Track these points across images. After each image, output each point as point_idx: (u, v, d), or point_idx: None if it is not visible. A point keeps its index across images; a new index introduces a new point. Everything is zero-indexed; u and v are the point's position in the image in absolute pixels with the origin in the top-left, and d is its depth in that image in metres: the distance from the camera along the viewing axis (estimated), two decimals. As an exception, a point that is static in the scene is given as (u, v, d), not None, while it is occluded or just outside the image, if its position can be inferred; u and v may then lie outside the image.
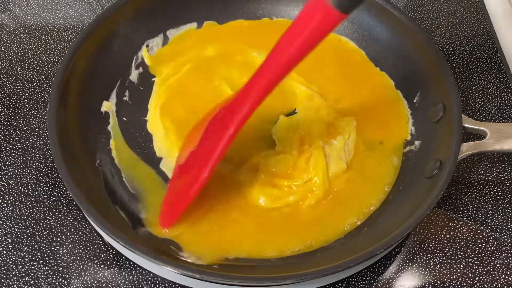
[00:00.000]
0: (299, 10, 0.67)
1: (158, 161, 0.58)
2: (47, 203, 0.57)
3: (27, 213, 0.56)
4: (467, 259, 0.55)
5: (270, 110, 0.61)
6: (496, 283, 0.54)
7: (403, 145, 0.59)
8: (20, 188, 0.57)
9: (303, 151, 0.58)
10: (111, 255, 0.54)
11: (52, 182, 0.58)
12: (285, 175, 0.56)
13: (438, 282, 0.54)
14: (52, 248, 0.54)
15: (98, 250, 0.54)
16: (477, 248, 0.56)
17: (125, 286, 0.52)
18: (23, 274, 0.52)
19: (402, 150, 0.59)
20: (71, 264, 0.53)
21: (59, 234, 0.55)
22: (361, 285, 0.54)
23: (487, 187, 0.60)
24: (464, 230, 0.57)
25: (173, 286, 0.53)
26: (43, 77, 0.65)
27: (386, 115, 0.62)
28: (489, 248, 0.56)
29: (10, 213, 0.56)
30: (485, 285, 0.54)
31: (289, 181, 0.56)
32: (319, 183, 0.56)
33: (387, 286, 0.54)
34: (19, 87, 0.64)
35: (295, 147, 0.58)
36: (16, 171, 0.58)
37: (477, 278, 0.54)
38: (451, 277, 0.54)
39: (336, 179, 0.57)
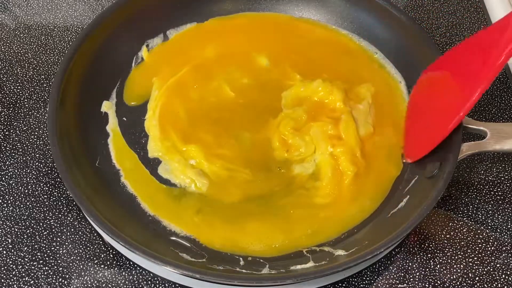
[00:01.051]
0: (299, 10, 0.69)
1: (157, 161, 0.58)
2: (47, 203, 0.57)
3: (27, 213, 0.56)
4: (467, 259, 0.55)
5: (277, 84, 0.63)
6: (496, 283, 0.54)
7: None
8: (20, 188, 0.57)
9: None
10: (111, 255, 0.54)
11: (52, 182, 0.58)
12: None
13: (438, 282, 0.54)
14: (52, 248, 0.54)
15: (98, 250, 0.54)
16: (477, 248, 0.56)
17: (125, 286, 0.52)
18: (23, 274, 0.52)
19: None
20: (71, 264, 0.53)
21: (59, 234, 0.55)
22: (361, 285, 0.54)
23: (487, 187, 0.60)
24: (464, 230, 0.57)
25: (173, 286, 0.53)
26: (43, 77, 0.65)
27: (387, 113, 0.62)
28: (489, 248, 0.56)
29: (10, 213, 0.56)
30: (485, 285, 0.54)
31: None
32: (352, 145, 0.57)
33: (387, 286, 0.54)
34: (19, 87, 0.64)
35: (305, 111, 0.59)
36: (16, 171, 0.58)
37: (477, 278, 0.54)
38: (451, 277, 0.54)
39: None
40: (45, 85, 0.65)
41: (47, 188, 0.57)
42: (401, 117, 0.61)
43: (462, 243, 0.56)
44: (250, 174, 0.57)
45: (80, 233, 0.55)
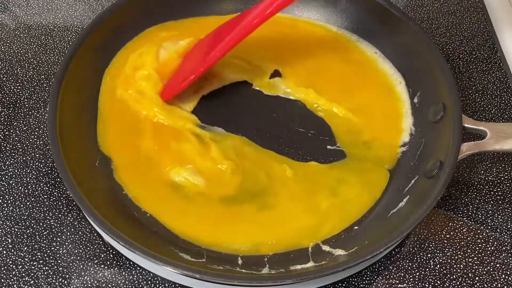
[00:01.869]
0: (299, 10, 0.69)
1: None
2: (47, 203, 0.57)
3: (27, 213, 0.56)
4: (467, 259, 0.55)
5: None
6: (496, 283, 0.54)
7: (396, 148, 0.59)
8: (20, 188, 0.57)
9: None
10: (111, 255, 0.54)
11: (52, 182, 0.58)
12: None
13: (438, 282, 0.54)
14: (52, 248, 0.54)
15: (98, 250, 0.54)
16: (477, 248, 0.56)
17: (125, 286, 0.52)
18: (23, 274, 0.52)
19: (396, 152, 0.59)
20: (71, 264, 0.53)
21: (59, 234, 0.55)
22: (361, 285, 0.54)
23: (487, 187, 0.60)
24: (464, 230, 0.57)
25: (173, 286, 0.53)
26: (43, 77, 0.65)
27: (382, 115, 0.62)
28: (489, 248, 0.56)
29: (10, 213, 0.56)
30: (485, 285, 0.54)
31: None
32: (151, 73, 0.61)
33: (387, 286, 0.54)
34: (19, 87, 0.64)
35: None
36: (16, 171, 0.58)
37: (477, 278, 0.54)
38: (451, 277, 0.54)
39: None
40: (45, 85, 0.65)
41: (47, 188, 0.57)
42: (400, 117, 0.61)
43: (462, 243, 0.56)
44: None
45: (80, 233, 0.55)
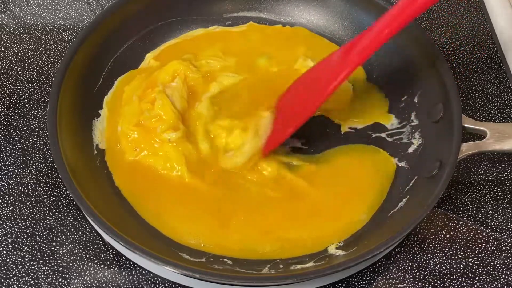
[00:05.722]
0: (299, 10, 0.69)
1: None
2: (47, 203, 0.57)
3: (27, 213, 0.56)
4: (467, 259, 0.55)
5: None
6: (496, 283, 0.54)
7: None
8: (20, 188, 0.57)
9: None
10: (111, 255, 0.54)
11: (52, 182, 0.58)
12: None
13: (438, 282, 0.54)
14: (52, 248, 0.54)
15: (98, 250, 0.54)
16: (477, 248, 0.56)
17: (125, 286, 0.52)
18: (23, 274, 0.52)
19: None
20: (71, 264, 0.53)
21: (59, 234, 0.55)
22: (361, 285, 0.54)
23: (487, 187, 0.60)
24: (464, 230, 0.57)
25: (173, 286, 0.53)
26: (43, 77, 0.65)
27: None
28: (489, 248, 0.56)
29: (10, 213, 0.56)
30: (485, 285, 0.54)
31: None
32: (168, 118, 0.57)
33: (387, 286, 0.54)
34: (19, 87, 0.64)
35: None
36: (16, 171, 0.58)
37: (477, 278, 0.54)
38: (451, 277, 0.54)
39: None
40: (45, 85, 0.65)
41: (47, 188, 0.57)
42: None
43: (462, 243, 0.56)
44: None
45: (80, 233, 0.55)
